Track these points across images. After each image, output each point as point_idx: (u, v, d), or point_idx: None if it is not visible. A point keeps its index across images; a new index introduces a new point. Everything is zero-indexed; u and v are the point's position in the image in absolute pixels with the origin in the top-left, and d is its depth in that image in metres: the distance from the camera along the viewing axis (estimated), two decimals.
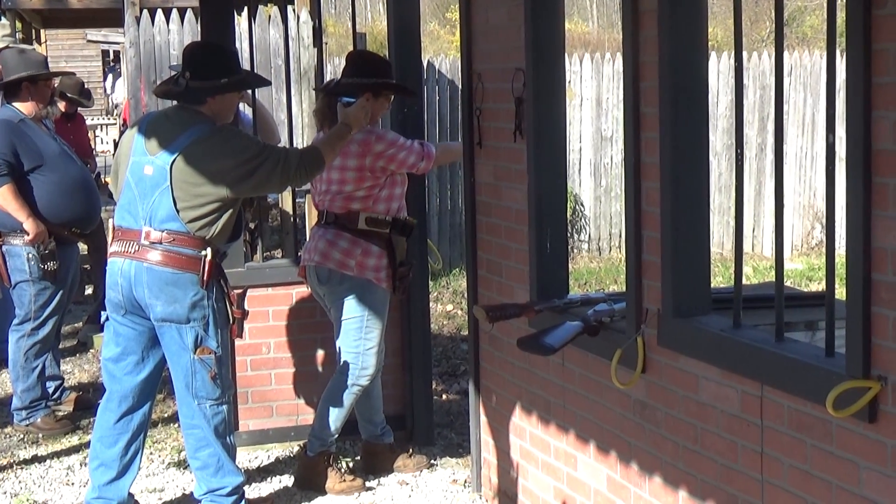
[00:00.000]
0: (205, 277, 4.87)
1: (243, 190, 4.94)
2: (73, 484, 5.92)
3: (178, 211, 4.82)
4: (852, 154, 2.96)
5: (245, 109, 6.98)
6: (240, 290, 5.16)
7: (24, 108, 6.68)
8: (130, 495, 5.22)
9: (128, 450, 5.12)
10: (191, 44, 5.37)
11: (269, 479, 5.90)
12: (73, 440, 6.58)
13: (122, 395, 5.08)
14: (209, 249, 4.88)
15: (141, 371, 5.07)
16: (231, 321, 5.04)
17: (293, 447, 6.19)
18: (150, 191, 4.86)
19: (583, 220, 12.70)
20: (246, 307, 5.14)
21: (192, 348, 4.92)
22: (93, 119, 21.31)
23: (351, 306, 5.51)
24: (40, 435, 6.65)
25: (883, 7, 2.86)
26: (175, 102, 5.08)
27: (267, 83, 5.70)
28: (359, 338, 5.51)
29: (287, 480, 5.85)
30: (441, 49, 30.65)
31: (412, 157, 5.49)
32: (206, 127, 4.90)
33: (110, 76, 25.95)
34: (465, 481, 5.76)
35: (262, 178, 4.90)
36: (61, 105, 9.47)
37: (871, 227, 2.95)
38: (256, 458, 6.15)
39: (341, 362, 5.55)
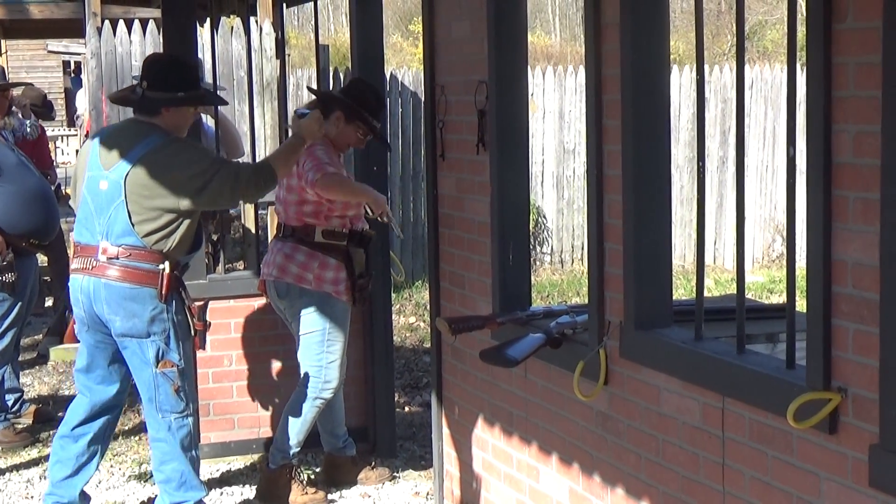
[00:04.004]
0: (163, 291, 4.85)
1: (196, 203, 4.89)
2: (32, 497, 5.87)
3: (133, 225, 4.81)
4: (812, 167, 2.98)
5: (207, 121, 6.95)
6: (201, 303, 5.14)
7: None
8: (84, 495, 5.20)
9: (86, 451, 5.15)
10: (151, 54, 5.36)
11: (230, 491, 5.88)
12: (33, 453, 6.53)
13: (92, 402, 5.14)
14: (167, 263, 4.87)
15: (110, 383, 5.11)
16: (193, 333, 5.03)
17: (255, 460, 6.17)
18: (105, 206, 4.85)
19: (545, 232, 12.73)
20: (207, 319, 5.13)
21: (154, 362, 4.91)
22: (53, 130, 21.18)
23: (311, 320, 5.48)
24: None
25: (842, 21, 2.88)
26: (132, 112, 5.07)
27: (224, 103, 5.67)
28: (321, 351, 5.49)
29: (249, 493, 5.82)
30: (404, 61, 30.67)
31: (310, 173, 5.25)
32: (159, 139, 4.88)
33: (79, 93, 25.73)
34: (428, 493, 5.75)
35: (214, 192, 4.86)
36: (21, 115, 9.41)
37: (831, 239, 2.97)
38: (218, 470, 6.12)
39: (304, 376, 5.53)
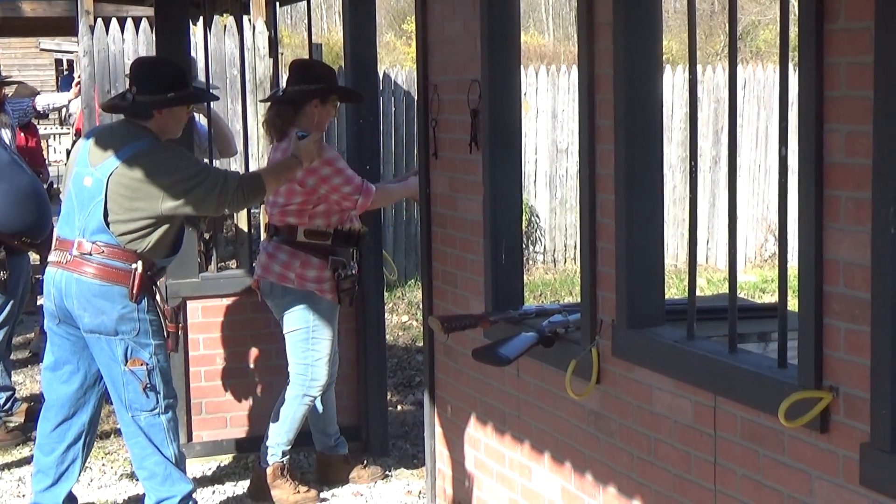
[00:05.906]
0: (134, 291, 4.84)
1: (176, 208, 4.87)
2: (23, 496, 5.86)
3: (108, 224, 4.81)
4: (804, 167, 2.98)
5: (200, 120, 6.95)
6: (175, 305, 5.12)
7: None
8: (71, 497, 5.18)
9: (64, 458, 5.11)
10: (138, 59, 5.34)
11: (222, 490, 5.87)
12: (24, 451, 6.52)
13: (59, 403, 5.09)
14: (140, 263, 4.85)
15: (76, 380, 5.07)
16: (165, 336, 5.01)
17: (247, 458, 6.16)
18: (87, 202, 4.85)
19: (538, 231, 12.73)
20: (181, 321, 5.11)
21: (123, 360, 4.89)
22: (45, 129, 21.14)
23: (295, 318, 5.48)
24: None
25: (835, 22, 2.89)
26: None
27: (215, 98, 5.65)
28: (306, 349, 5.48)
29: (241, 492, 5.82)
30: (397, 60, 30.67)
31: (348, 188, 5.40)
32: (148, 142, 4.88)
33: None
34: (420, 492, 5.75)
35: (197, 199, 4.85)
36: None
37: (822, 239, 2.97)
38: (210, 469, 6.12)
39: (292, 374, 5.54)
